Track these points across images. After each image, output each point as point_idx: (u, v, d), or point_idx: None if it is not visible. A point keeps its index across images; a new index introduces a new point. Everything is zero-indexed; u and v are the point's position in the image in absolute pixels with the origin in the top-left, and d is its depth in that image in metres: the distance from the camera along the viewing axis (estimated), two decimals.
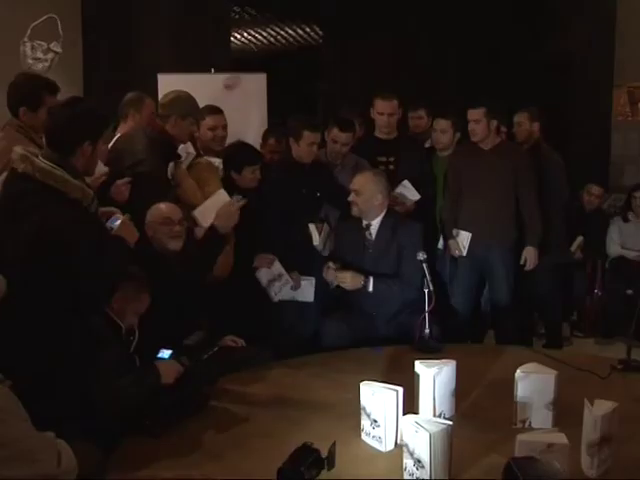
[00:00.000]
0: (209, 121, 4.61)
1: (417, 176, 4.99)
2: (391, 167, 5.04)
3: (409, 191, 4.94)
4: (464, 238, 4.88)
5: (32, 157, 2.76)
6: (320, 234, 4.71)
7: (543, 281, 5.33)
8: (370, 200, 4.28)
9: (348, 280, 4.20)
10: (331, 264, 4.26)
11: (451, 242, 4.93)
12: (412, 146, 5.24)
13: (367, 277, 4.20)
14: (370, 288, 4.20)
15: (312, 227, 4.72)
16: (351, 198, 4.31)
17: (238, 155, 4.46)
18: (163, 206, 3.73)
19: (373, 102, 5.21)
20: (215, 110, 4.68)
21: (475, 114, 4.79)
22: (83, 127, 2.87)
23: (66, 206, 2.74)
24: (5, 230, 2.82)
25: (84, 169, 2.90)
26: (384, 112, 5.09)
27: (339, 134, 4.82)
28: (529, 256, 4.88)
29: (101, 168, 3.71)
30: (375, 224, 4.33)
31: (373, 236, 4.34)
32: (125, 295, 3.10)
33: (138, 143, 4.03)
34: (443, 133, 5.20)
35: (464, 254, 4.87)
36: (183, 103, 4.12)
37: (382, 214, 4.33)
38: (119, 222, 3.01)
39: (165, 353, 3.11)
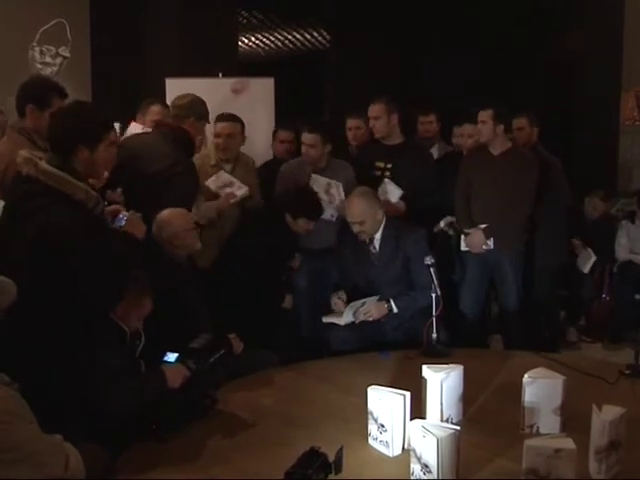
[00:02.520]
0: (215, 128, 4.67)
1: (416, 185, 4.88)
2: (387, 173, 4.96)
3: (389, 190, 4.85)
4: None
5: (36, 159, 2.78)
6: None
7: (544, 284, 5.34)
8: (374, 221, 4.27)
9: (374, 311, 4.19)
10: (340, 295, 4.26)
11: (471, 237, 4.87)
12: (414, 153, 5.08)
13: (388, 301, 4.20)
14: (395, 309, 4.21)
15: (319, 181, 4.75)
16: (356, 230, 4.27)
17: (304, 204, 4.50)
18: (181, 213, 3.77)
19: None
20: (223, 117, 4.74)
21: (482, 116, 4.81)
22: (77, 130, 2.87)
23: (70, 207, 2.75)
24: (10, 232, 2.84)
25: (85, 173, 2.90)
26: (370, 116, 5.02)
27: (308, 136, 4.79)
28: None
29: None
30: (377, 236, 4.32)
31: (377, 248, 4.33)
32: (128, 299, 3.10)
33: (164, 146, 4.09)
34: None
35: (492, 247, 4.82)
36: (199, 106, 4.26)
37: (382, 225, 4.32)
38: (125, 219, 3.02)
39: (171, 356, 3.10)
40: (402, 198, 4.86)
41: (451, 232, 4.96)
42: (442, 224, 4.87)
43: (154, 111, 5.01)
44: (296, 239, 4.62)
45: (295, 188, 4.66)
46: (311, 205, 4.52)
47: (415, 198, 4.87)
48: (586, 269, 5.97)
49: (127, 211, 3.10)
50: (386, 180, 4.88)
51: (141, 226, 3.10)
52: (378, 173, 4.97)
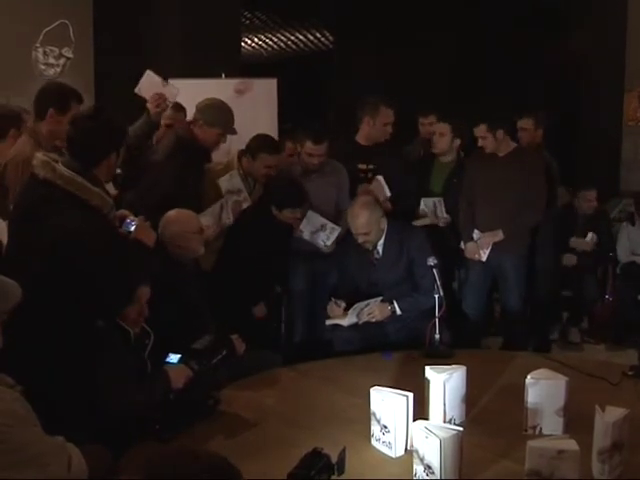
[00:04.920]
0: (269, 160, 4.57)
1: (398, 185, 4.90)
2: (370, 175, 4.95)
3: (381, 188, 4.84)
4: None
5: (53, 163, 2.79)
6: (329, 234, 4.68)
7: (546, 285, 5.37)
8: (379, 230, 4.26)
9: (377, 313, 4.18)
10: (337, 302, 4.22)
11: (470, 245, 4.90)
12: (393, 154, 5.09)
13: (391, 302, 4.20)
14: (398, 311, 4.21)
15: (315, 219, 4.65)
16: (361, 240, 4.25)
17: (285, 194, 4.46)
18: (191, 215, 3.80)
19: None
20: (276, 149, 4.71)
21: (479, 131, 4.84)
22: (111, 139, 2.92)
23: (85, 213, 2.76)
24: (25, 235, 2.84)
25: (105, 178, 2.95)
26: (388, 122, 4.94)
27: (314, 147, 4.65)
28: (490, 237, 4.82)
29: (110, 190, 3.78)
30: (381, 242, 4.31)
31: (381, 253, 4.33)
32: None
33: (168, 141, 4.14)
34: (441, 136, 5.17)
35: (483, 259, 4.85)
36: (213, 112, 4.27)
37: (385, 230, 4.31)
38: (134, 225, 3.03)
39: (173, 357, 3.11)
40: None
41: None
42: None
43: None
44: (286, 230, 4.57)
45: (276, 179, 4.61)
46: (293, 194, 4.47)
47: (397, 198, 4.87)
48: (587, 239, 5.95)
49: (135, 216, 3.11)
50: (379, 177, 4.86)
51: (151, 233, 3.11)
52: (362, 175, 4.95)
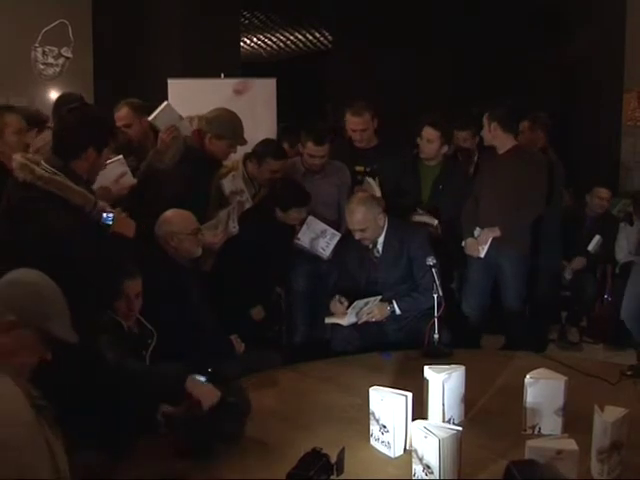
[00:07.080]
0: (275, 165, 4.61)
1: (396, 186, 4.89)
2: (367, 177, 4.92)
3: (369, 189, 4.79)
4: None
5: (32, 165, 2.78)
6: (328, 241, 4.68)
7: (545, 285, 5.39)
8: (376, 227, 4.26)
9: (376, 313, 4.19)
10: (340, 298, 4.21)
11: (470, 241, 4.88)
12: (391, 156, 5.03)
13: (390, 303, 4.20)
14: (397, 311, 4.21)
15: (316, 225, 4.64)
16: (358, 237, 4.25)
17: (289, 195, 4.46)
18: (187, 215, 3.77)
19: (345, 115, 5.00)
20: (282, 155, 4.72)
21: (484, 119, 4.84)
22: (88, 133, 2.89)
23: (67, 212, 2.76)
24: (8, 237, 2.84)
25: (87, 175, 2.93)
26: (356, 129, 4.90)
27: (316, 148, 4.65)
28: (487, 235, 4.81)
29: (130, 179, 3.76)
30: (380, 240, 4.32)
31: (380, 251, 4.33)
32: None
33: (175, 149, 4.11)
34: (429, 143, 4.97)
35: (482, 256, 4.85)
36: (221, 124, 4.20)
37: (385, 228, 4.31)
38: (112, 217, 3.00)
39: (200, 378, 3.02)
40: None
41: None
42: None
43: (118, 116, 4.66)
44: (287, 231, 4.58)
45: (279, 180, 4.59)
46: (297, 193, 4.48)
47: (395, 198, 4.83)
48: (590, 247, 5.92)
49: (113, 208, 3.09)
50: (368, 179, 4.85)
51: (130, 225, 3.09)
52: (359, 177, 4.93)
